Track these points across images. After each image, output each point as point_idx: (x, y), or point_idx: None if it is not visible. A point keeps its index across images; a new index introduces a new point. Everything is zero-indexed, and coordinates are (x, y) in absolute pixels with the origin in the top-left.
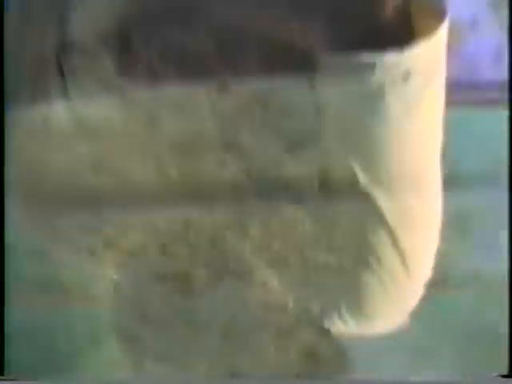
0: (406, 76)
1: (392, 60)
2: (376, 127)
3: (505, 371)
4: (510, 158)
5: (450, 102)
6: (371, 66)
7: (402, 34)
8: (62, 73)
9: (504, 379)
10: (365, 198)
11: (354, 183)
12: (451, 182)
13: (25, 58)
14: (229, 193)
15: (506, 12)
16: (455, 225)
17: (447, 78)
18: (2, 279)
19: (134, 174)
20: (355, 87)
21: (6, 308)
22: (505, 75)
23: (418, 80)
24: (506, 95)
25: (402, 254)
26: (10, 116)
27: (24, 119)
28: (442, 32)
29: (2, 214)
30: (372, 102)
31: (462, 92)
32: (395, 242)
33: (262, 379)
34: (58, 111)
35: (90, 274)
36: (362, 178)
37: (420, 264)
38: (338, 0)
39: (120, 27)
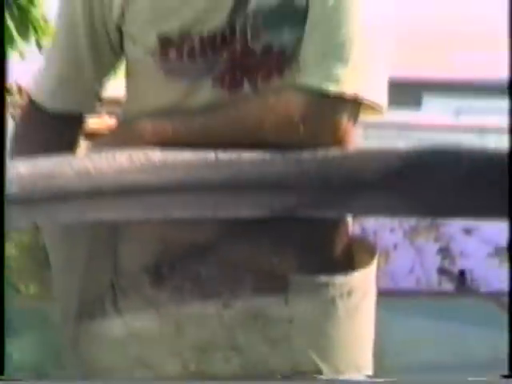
0: (350, 292)
1: (340, 281)
2: (330, 329)
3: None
4: None
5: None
6: (326, 285)
7: (348, 264)
8: (115, 294)
9: (504, 379)
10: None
11: (316, 370)
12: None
13: (88, 289)
14: (232, 380)
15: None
16: None
17: (377, 287)
18: (2, 279)
19: (165, 367)
20: (315, 300)
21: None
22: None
23: (358, 294)
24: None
25: None
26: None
27: (86, 329)
28: (374, 261)
29: (2, 217)
30: (327, 311)
31: (386, 297)
32: None
33: (261, 380)
34: (112, 322)
35: None
36: (321, 366)
37: None
38: (304, 239)
39: (155, 261)
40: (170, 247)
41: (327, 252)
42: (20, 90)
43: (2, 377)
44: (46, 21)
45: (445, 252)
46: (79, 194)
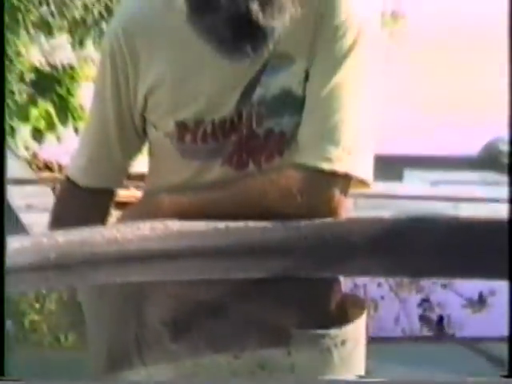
0: (344, 342)
1: (335, 332)
2: (327, 375)
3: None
4: None
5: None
6: (323, 337)
7: (341, 317)
8: (140, 347)
9: (504, 379)
10: None
11: None
12: None
13: (115, 343)
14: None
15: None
16: None
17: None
18: (2, 281)
19: None
20: (313, 350)
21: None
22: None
23: (350, 344)
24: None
25: None
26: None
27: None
28: (364, 314)
29: (2, 220)
30: (324, 359)
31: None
32: None
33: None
34: (138, 373)
35: None
36: None
37: None
38: (303, 296)
39: (174, 318)
40: (186, 305)
41: (323, 307)
42: (60, 167)
43: (2, 377)
44: (82, 109)
45: (425, 303)
46: (108, 260)
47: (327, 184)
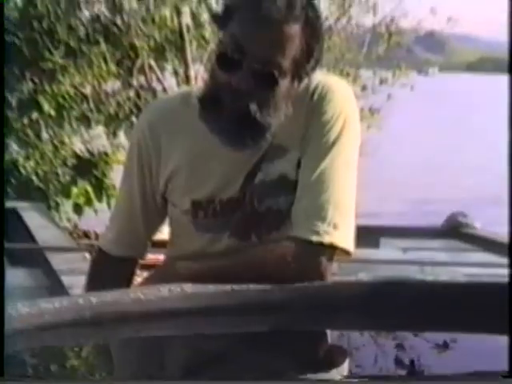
0: None
1: (323, 377)
2: None
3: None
4: None
5: None
6: (312, 381)
7: (328, 363)
8: None
9: (504, 379)
10: None
11: None
12: None
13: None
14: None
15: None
16: None
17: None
18: (2, 279)
19: None
20: None
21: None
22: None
23: None
24: None
25: None
26: None
27: None
28: (347, 360)
29: (2, 219)
30: None
31: None
32: None
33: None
34: None
35: None
36: None
37: None
38: (296, 346)
39: (188, 363)
40: (198, 354)
41: (312, 355)
42: (96, 235)
43: (2, 377)
44: (114, 188)
45: (399, 347)
46: (134, 317)
47: (316, 253)
